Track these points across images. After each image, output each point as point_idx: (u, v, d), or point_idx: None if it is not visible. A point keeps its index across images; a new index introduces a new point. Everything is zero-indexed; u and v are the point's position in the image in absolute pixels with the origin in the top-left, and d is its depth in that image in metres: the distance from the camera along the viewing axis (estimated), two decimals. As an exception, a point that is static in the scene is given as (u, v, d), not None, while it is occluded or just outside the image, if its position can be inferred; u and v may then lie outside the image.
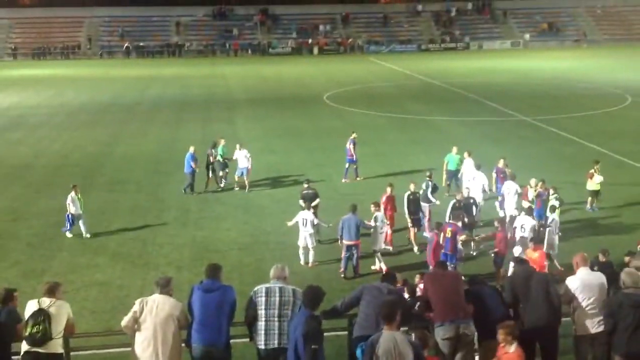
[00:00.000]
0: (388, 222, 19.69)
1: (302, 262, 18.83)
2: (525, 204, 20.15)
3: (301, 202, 21.13)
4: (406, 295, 12.49)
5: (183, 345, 9.77)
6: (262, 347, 9.68)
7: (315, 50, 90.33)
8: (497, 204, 22.04)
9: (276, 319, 9.63)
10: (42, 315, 9.61)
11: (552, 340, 10.53)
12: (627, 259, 14.32)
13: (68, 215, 21.37)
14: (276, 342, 9.59)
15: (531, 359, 10.18)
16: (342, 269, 18.24)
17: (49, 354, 9.68)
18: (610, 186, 23.78)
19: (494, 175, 23.09)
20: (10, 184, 27.82)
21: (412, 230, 20.20)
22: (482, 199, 22.02)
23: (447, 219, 18.79)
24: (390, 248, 19.96)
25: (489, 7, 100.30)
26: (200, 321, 9.57)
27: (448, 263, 15.74)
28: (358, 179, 27.36)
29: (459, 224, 18.20)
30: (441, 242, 17.36)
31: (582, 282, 10.36)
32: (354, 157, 27.33)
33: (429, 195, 21.46)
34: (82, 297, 16.84)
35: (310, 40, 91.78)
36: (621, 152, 30.42)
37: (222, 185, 26.42)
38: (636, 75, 59.16)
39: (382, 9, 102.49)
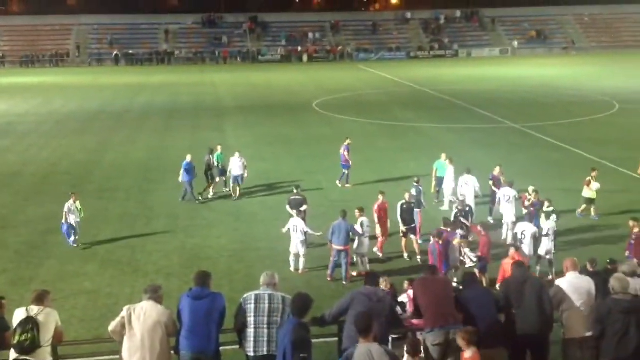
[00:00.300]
0: (381, 229, 19.73)
1: (292, 268, 18.82)
2: (525, 211, 20.37)
3: (287, 207, 21.15)
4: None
5: (172, 352, 9.73)
6: (252, 354, 9.69)
7: (305, 57, 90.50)
8: (490, 207, 22.27)
9: (265, 326, 9.64)
10: (30, 323, 9.54)
11: (543, 348, 10.54)
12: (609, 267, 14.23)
13: (64, 225, 20.79)
14: (265, 349, 9.60)
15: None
16: (329, 272, 18.33)
17: (37, 362, 9.62)
18: (598, 193, 23.86)
19: (490, 182, 23.19)
20: (-1, 192, 27.67)
21: (404, 240, 20.07)
22: (474, 203, 22.14)
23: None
24: (380, 254, 19.96)
25: (478, 14, 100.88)
26: (189, 328, 9.54)
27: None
28: (347, 185, 27.42)
29: (458, 231, 18.30)
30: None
31: (571, 285, 10.40)
32: (349, 162, 27.43)
33: (422, 200, 21.53)
34: (70, 305, 16.74)
35: (299, 48, 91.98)
36: (609, 159, 30.58)
37: (225, 189, 26.45)
38: (623, 83, 59.60)
39: (371, 17, 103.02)
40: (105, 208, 25.09)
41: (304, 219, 19.63)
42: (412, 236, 20.01)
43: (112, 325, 9.57)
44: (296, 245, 18.77)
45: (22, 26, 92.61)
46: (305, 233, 18.85)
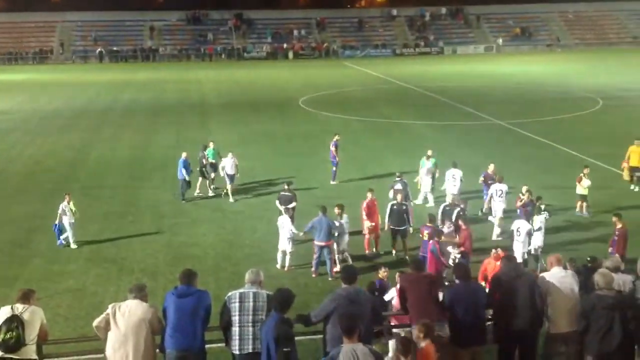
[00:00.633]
0: (369, 227, 19.68)
1: (278, 266, 18.82)
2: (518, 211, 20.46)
3: (277, 203, 21.13)
4: None
5: (158, 351, 9.72)
6: (237, 352, 9.68)
7: (290, 54, 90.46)
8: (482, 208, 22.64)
9: (250, 324, 9.62)
10: (15, 322, 9.51)
11: (531, 345, 10.56)
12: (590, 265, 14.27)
13: (56, 225, 20.61)
14: (250, 347, 9.60)
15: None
16: (313, 269, 18.39)
17: (22, 360, 9.59)
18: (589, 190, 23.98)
19: (481, 179, 23.28)
20: (-18, 190, 27.45)
21: (393, 241, 19.88)
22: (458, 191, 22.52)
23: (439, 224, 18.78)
24: (367, 251, 19.94)
25: (463, 12, 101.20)
26: (174, 326, 9.52)
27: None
28: (332, 182, 27.42)
29: (445, 228, 18.33)
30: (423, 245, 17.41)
31: (555, 279, 10.43)
32: (336, 158, 27.43)
33: (409, 192, 21.60)
34: (55, 304, 16.65)
35: (285, 45, 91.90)
36: (593, 155, 30.76)
37: (211, 188, 26.22)
38: (607, 80, 59.99)
39: (357, 14, 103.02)
40: (90, 206, 24.91)
41: (292, 217, 19.58)
42: (400, 238, 19.73)
43: (97, 321, 9.56)
44: (283, 242, 18.80)
45: (5, 23, 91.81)
46: (290, 230, 18.85)
